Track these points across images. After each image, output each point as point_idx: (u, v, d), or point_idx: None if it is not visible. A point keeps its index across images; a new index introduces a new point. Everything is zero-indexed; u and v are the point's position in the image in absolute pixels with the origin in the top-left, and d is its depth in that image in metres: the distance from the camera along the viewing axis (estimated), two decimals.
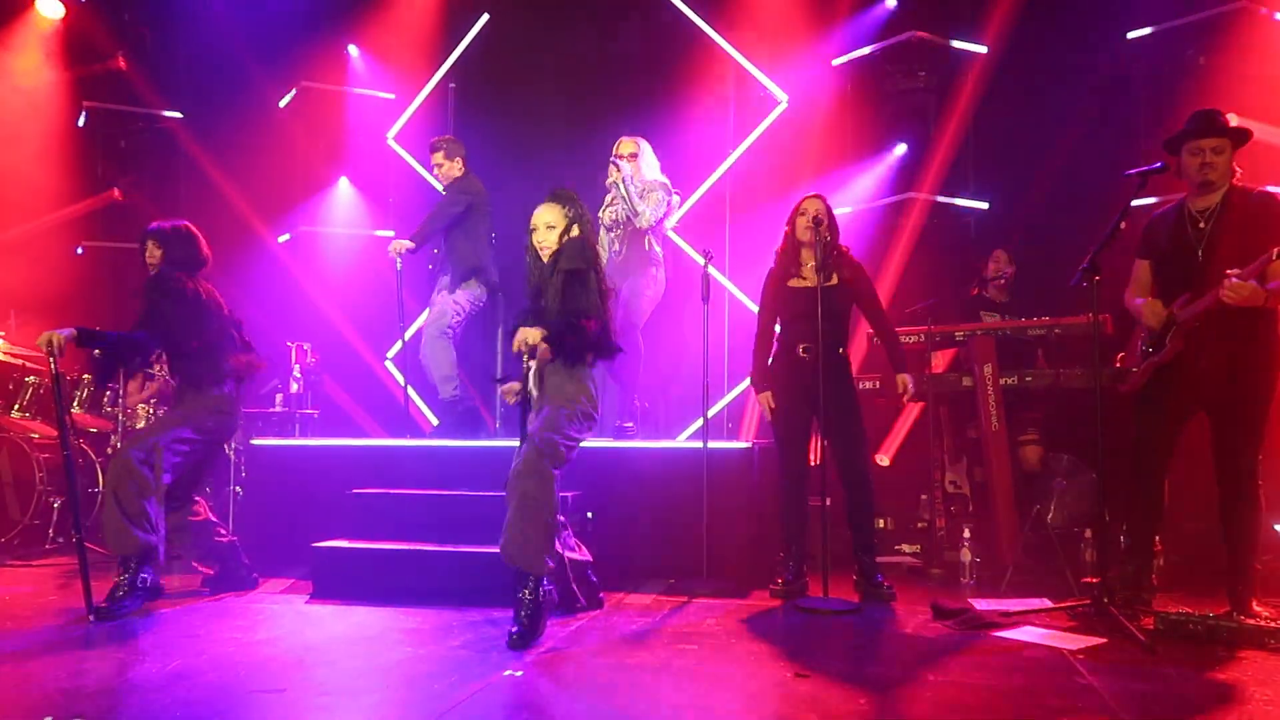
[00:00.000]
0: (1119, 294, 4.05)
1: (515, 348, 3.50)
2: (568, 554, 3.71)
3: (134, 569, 3.91)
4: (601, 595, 3.95)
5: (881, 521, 5.32)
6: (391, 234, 6.83)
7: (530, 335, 3.44)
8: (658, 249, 5.22)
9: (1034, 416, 5.28)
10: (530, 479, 3.41)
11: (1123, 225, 3.66)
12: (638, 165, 5.21)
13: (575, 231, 3.66)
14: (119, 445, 4.17)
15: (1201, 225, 3.71)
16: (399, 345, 5.77)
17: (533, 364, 3.57)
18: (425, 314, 5.68)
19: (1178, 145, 3.76)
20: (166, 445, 4.05)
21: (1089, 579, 4.22)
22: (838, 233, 4.38)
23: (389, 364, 6.90)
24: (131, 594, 3.87)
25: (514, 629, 3.30)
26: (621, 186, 5.05)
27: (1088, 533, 4.73)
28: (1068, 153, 5.81)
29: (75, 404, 5.78)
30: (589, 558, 3.89)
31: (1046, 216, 5.85)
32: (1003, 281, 5.55)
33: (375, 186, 7.23)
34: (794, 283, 4.34)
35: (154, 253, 4.32)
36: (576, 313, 3.53)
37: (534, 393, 3.62)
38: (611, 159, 5.17)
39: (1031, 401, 5.20)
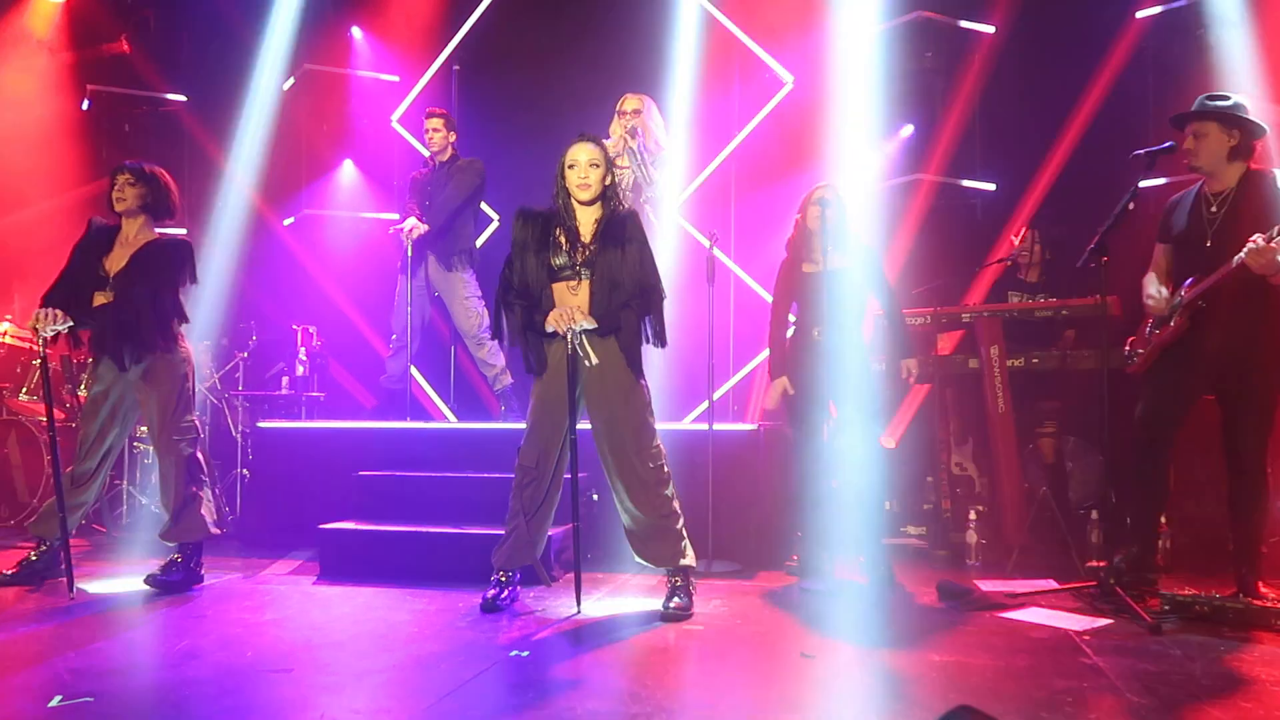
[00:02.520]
0: (1128, 275, 4.03)
1: (555, 326, 3.40)
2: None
3: (192, 551, 4.05)
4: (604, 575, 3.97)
5: (886, 504, 5.31)
6: (396, 216, 6.82)
7: (577, 317, 3.39)
8: (653, 219, 5.05)
9: (1053, 406, 5.24)
10: (656, 501, 3.53)
11: (1131, 206, 3.63)
12: (646, 125, 5.07)
13: (611, 178, 3.58)
14: (167, 442, 4.04)
15: (1214, 209, 3.67)
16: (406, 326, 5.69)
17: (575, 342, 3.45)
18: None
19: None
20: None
21: (1095, 561, 4.22)
22: (850, 218, 4.34)
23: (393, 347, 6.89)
24: (185, 568, 4.01)
25: (671, 603, 3.48)
26: (637, 159, 4.85)
27: (1094, 514, 4.72)
28: (1076, 134, 5.77)
29: (81, 386, 5.78)
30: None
31: (1054, 198, 5.82)
32: (1027, 258, 5.48)
33: (379, 169, 7.21)
34: (807, 267, 4.32)
35: (127, 191, 4.07)
36: (656, 289, 3.51)
37: (586, 362, 3.49)
38: (628, 127, 4.95)
39: (1049, 392, 5.17)
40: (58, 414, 5.85)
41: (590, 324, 3.41)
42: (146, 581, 3.92)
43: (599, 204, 3.58)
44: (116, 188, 4.09)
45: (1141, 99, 5.66)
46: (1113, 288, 3.87)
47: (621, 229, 3.52)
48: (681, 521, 3.60)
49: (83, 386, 5.83)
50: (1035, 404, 5.17)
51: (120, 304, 3.95)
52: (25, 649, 3.03)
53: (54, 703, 2.42)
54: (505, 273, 3.58)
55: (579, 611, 3.54)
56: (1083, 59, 5.79)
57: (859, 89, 6.16)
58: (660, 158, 4.99)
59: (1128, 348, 3.99)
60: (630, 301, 3.46)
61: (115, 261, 4.05)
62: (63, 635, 3.19)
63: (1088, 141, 5.73)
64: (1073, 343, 5.04)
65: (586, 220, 3.59)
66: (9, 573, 4.03)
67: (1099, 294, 3.82)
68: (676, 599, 3.50)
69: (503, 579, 3.65)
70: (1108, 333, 3.84)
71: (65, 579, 3.88)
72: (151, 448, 4.39)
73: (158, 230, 4.18)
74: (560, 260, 3.53)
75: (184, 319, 4.12)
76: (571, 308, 3.44)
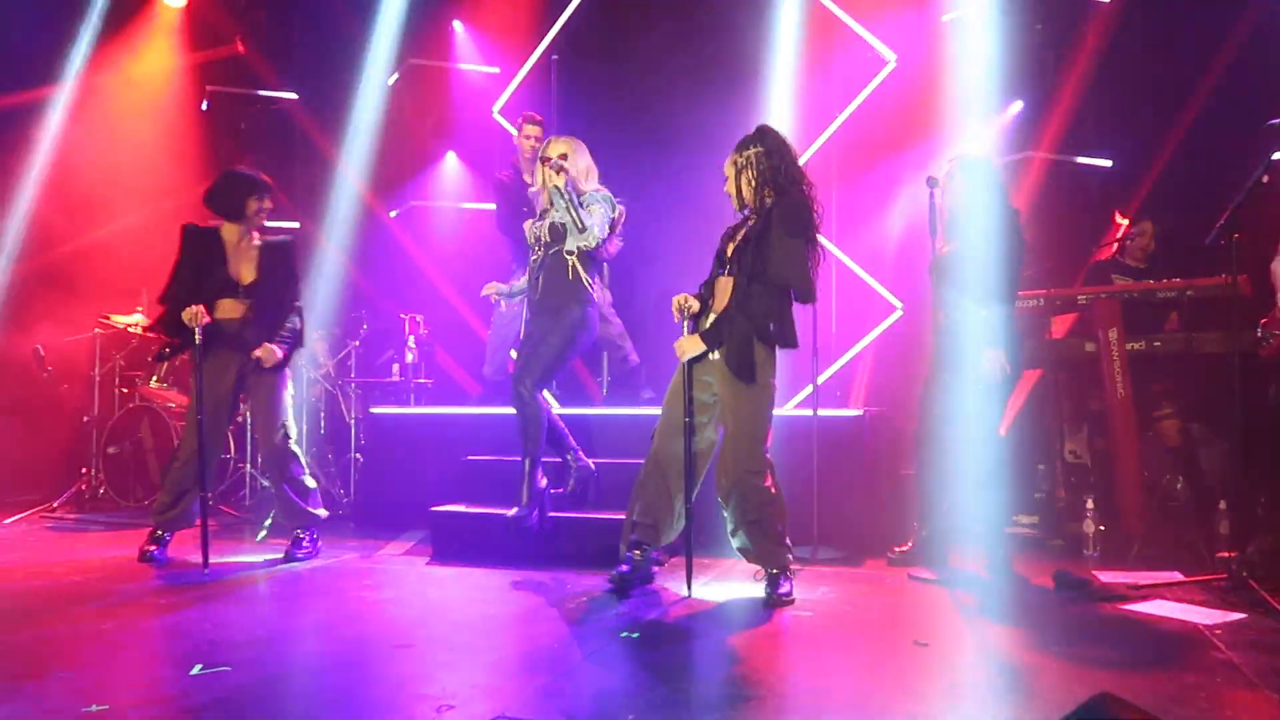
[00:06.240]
0: (1260, 253, 3.82)
1: (681, 356, 3.59)
2: None
3: (305, 532, 4.38)
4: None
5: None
6: (494, 206, 6.94)
7: (685, 345, 3.55)
8: (585, 277, 4.17)
9: (1166, 389, 5.00)
10: (754, 501, 3.53)
11: (1265, 179, 3.45)
12: (572, 171, 4.21)
13: (754, 178, 3.58)
14: (270, 433, 4.33)
15: None
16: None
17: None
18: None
19: None
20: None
21: (1224, 552, 4.03)
22: (973, 196, 4.09)
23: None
24: (297, 546, 4.33)
25: (775, 590, 3.49)
26: (562, 194, 4.07)
27: (1222, 504, 4.50)
28: (1199, 106, 5.49)
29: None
30: None
31: (1175, 174, 5.55)
32: (1141, 252, 5.26)
33: (481, 160, 7.34)
34: (939, 246, 4.22)
35: (267, 205, 4.41)
36: (759, 293, 3.49)
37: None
38: (542, 154, 4.26)
39: (1161, 375, 4.93)
40: (180, 398, 6.18)
41: (692, 351, 3.56)
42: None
43: (753, 211, 3.62)
44: (265, 208, 4.40)
45: (1266, 70, 5.33)
46: (1240, 266, 3.67)
47: (764, 222, 3.53)
48: (781, 524, 3.56)
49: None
50: (1150, 388, 4.94)
51: (272, 311, 4.30)
52: (167, 621, 3.21)
53: (195, 671, 2.57)
54: None
55: (689, 594, 3.56)
56: (1205, 28, 5.48)
57: (965, 65, 5.98)
58: (597, 204, 4.18)
59: (1260, 330, 3.79)
60: (736, 309, 3.49)
61: (242, 271, 4.33)
62: (199, 609, 3.37)
63: (1211, 114, 5.43)
64: (1178, 326, 4.80)
65: (745, 224, 3.66)
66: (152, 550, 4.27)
67: (1227, 273, 3.64)
68: (780, 586, 3.49)
69: (637, 557, 3.66)
70: (1238, 313, 3.65)
71: (201, 555, 4.10)
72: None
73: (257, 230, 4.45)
74: (721, 254, 3.67)
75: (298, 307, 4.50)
76: (685, 310, 3.60)
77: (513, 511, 4.06)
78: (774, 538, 3.54)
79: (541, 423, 4.13)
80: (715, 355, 3.58)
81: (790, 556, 3.58)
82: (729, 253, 3.63)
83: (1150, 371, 4.88)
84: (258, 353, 4.21)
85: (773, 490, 3.56)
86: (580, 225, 4.05)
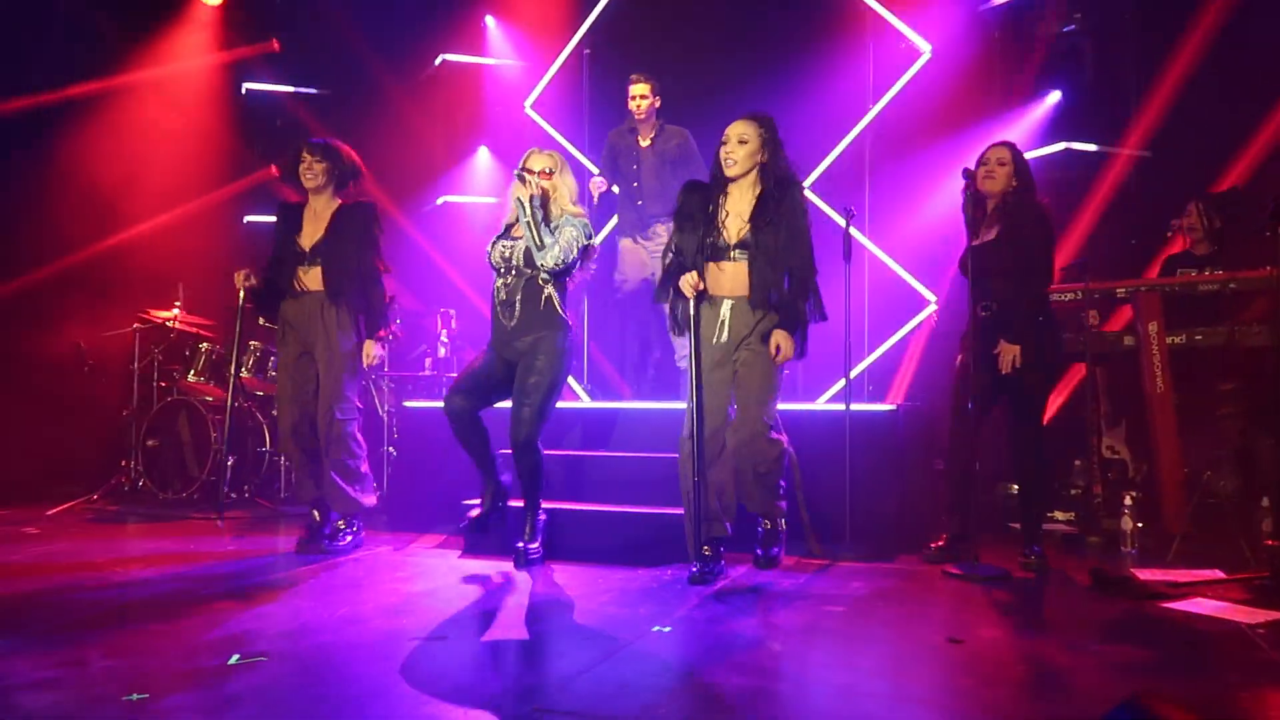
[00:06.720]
0: None
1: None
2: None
3: (346, 523, 4.42)
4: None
5: (1013, 488, 5.09)
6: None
7: (783, 344, 3.54)
8: (559, 308, 4.01)
9: (1230, 389, 4.88)
10: (765, 455, 3.58)
11: None
12: (555, 187, 4.07)
13: (766, 155, 3.61)
14: (323, 412, 4.30)
15: None
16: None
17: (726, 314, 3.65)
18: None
19: None
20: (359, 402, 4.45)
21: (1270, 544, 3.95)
22: (1010, 183, 4.07)
23: None
24: (337, 537, 4.37)
25: (759, 551, 3.70)
26: (525, 208, 3.89)
27: (1265, 500, 4.41)
28: (1241, 96, 5.37)
29: (244, 369, 6.13)
30: None
31: (1217, 165, 5.43)
32: (1197, 234, 5.14)
33: (514, 154, 7.34)
34: (973, 238, 4.16)
35: (316, 168, 4.32)
36: (806, 275, 3.56)
37: (720, 339, 3.66)
38: (518, 170, 4.04)
39: (1225, 372, 4.82)
40: (217, 392, 6.26)
41: (792, 349, 3.56)
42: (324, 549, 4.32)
43: (753, 182, 3.61)
44: (305, 165, 4.34)
45: None
46: None
47: (777, 207, 3.54)
48: (783, 478, 3.66)
49: (245, 369, 6.18)
50: (1204, 384, 4.83)
51: (341, 275, 4.28)
52: (204, 611, 3.26)
53: (233, 660, 2.60)
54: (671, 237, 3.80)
55: (718, 589, 3.55)
56: (1246, 14, 5.36)
57: (1001, 55, 5.90)
58: (569, 228, 3.97)
59: None
60: (796, 298, 3.55)
61: (310, 236, 4.35)
62: (236, 599, 3.42)
63: (1255, 104, 5.31)
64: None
65: (739, 197, 3.61)
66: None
67: (1272, 264, 3.56)
68: (772, 548, 3.67)
69: (706, 552, 3.69)
70: None
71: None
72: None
73: (340, 199, 4.45)
74: (713, 239, 3.62)
75: (386, 269, 4.49)
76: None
77: (521, 544, 4.07)
78: (773, 489, 3.64)
79: (543, 469, 4.10)
80: (725, 335, 3.66)
81: (783, 505, 3.69)
82: (730, 238, 3.60)
83: (1215, 368, 4.76)
84: (365, 362, 4.28)
85: (785, 445, 3.63)
86: (538, 242, 3.85)
